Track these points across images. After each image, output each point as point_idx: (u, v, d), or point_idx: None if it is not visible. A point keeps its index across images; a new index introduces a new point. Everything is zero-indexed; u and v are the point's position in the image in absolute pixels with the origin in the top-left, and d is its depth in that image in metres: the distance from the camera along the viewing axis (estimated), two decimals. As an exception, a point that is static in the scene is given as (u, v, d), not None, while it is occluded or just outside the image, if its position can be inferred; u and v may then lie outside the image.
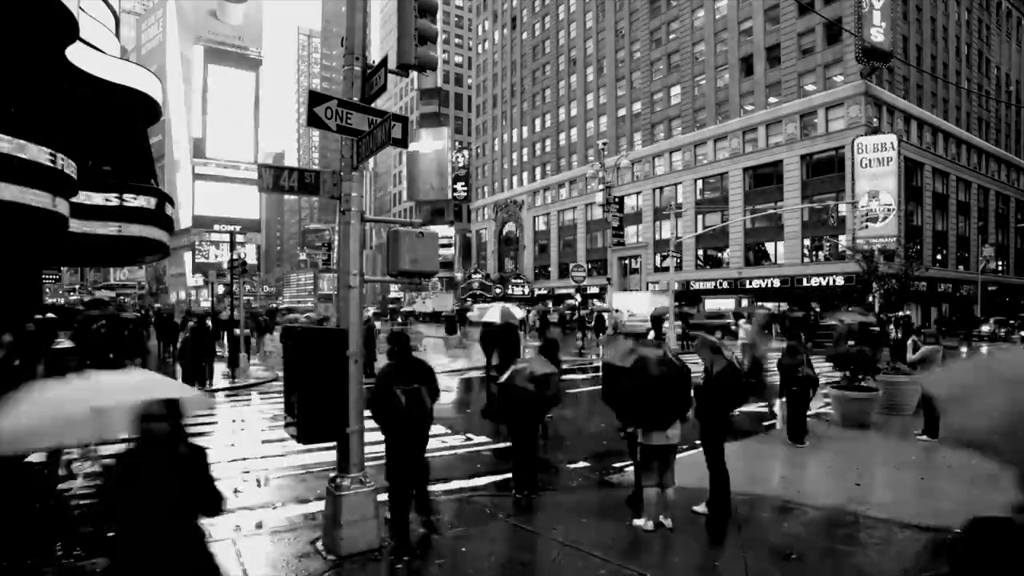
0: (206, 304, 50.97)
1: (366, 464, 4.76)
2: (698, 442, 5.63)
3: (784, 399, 8.40)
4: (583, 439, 8.74)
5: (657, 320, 23.11)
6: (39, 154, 13.15)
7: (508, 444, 6.55)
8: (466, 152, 79.04)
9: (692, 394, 5.20)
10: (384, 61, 4.72)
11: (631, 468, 6.01)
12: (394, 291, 75.72)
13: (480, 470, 7.11)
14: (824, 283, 37.70)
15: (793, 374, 8.07)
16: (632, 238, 49.80)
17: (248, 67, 73.81)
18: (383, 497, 4.83)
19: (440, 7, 72.07)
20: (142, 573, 2.49)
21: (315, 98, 4.50)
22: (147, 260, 35.85)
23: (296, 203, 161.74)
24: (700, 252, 47.35)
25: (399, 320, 41.10)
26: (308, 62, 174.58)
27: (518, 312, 15.59)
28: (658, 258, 49.52)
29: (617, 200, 28.62)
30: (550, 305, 45.45)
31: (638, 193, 52.40)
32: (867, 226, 35.14)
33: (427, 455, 5.28)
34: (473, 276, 63.19)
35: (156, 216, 20.96)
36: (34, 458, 7.47)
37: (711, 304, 39.85)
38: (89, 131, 18.45)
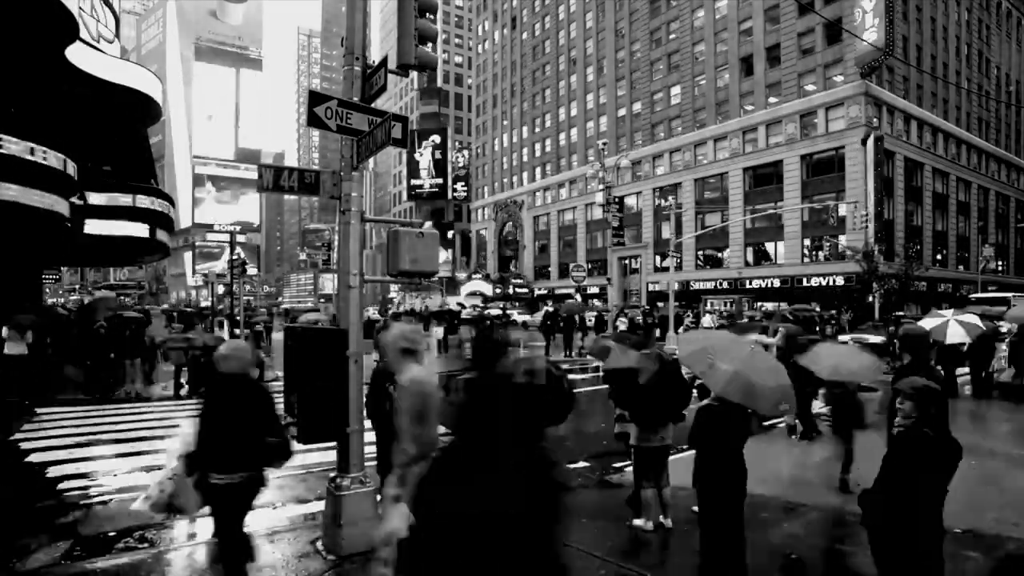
0: (206, 304, 51.01)
1: (366, 464, 4.77)
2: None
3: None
4: (583, 439, 8.73)
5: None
6: (39, 154, 13.15)
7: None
8: (466, 152, 79.04)
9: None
10: (384, 61, 4.72)
11: (631, 468, 6.00)
12: (393, 291, 75.73)
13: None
14: (824, 283, 37.71)
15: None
16: (632, 238, 49.83)
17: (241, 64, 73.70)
18: (383, 497, 4.82)
19: (440, 7, 72.15)
20: None
21: (315, 98, 4.50)
22: (147, 260, 35.84)
23: (296, 203, 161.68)
24: (700, 252, 47.35)
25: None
26: (308, 62, 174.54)
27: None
28: (658, 258, 49.52)
29: (617, 200, 28.63)
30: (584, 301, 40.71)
31: (638, 193, 52.40)
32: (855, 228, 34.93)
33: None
34: (473, 276, 63.22)
35: (156, 216, 20.96)
36: (34, 458, 7.49)
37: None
38: (89, 131, 18.45)
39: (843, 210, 34.30)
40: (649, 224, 51.29)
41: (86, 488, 6.34)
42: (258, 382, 3.99)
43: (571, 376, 14.99)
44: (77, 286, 66.77)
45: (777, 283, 40.80)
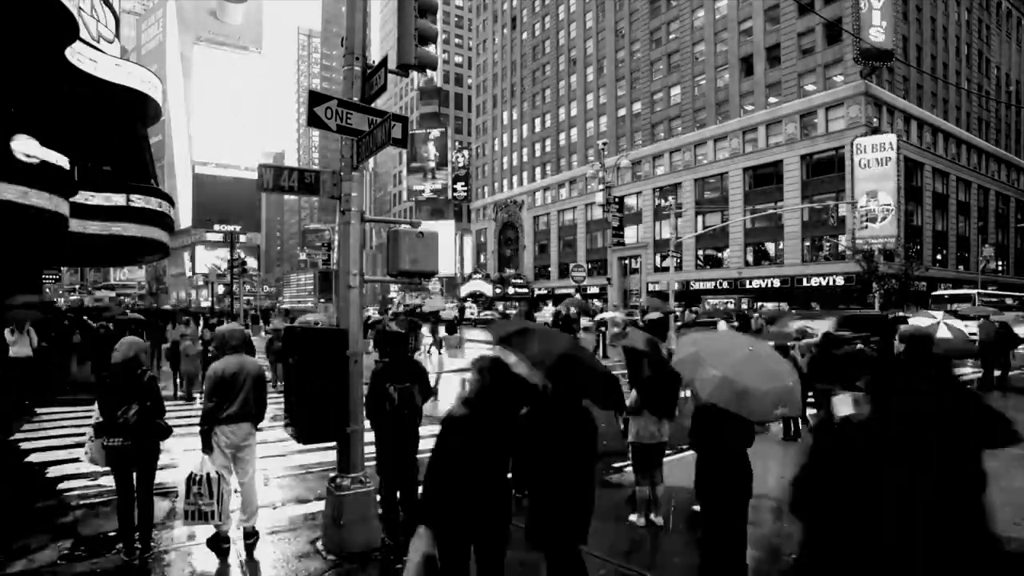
0: (206, 304, 51.01)
1: (366, 464, 4.77)
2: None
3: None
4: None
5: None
6: (40, 154, 13.15)
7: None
8: (466, 152, 79.05)
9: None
10: (384, 61, 4.72)
11: (631, 468, 6.01)
12: (393, 291, 75.74)
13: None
14: (824, 283, 37.72)
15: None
16: (632, 238, 49.83)
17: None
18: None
19: (440, 7, 72.15)
20: None
21: (315, 98, 4.50)
22: (147, 260, 35.89)
23: (296, 203, 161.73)
24: (700, 252, 47.35)
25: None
26: (308, 62, 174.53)
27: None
28: (658, 258, 49.51)
29: (617, 200, 28.60)
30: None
31: (638, 193, 52.40)
32: (867, 226, 35.15)
33: (421, 455, 5.29)
34: (473, 276, 63.23)
35: (156, 216, 20.97)
36: (34, 458, 7.49)
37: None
38: (89, 131, 18.45)
39: (843, 210, 34.33)
40: (649, 224, 51.29)
41: (86, 488, 6.34)
42: (142, 376, 4.56)
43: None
44: (77, 286, 66.80)
45: (777, 283, 40.80)
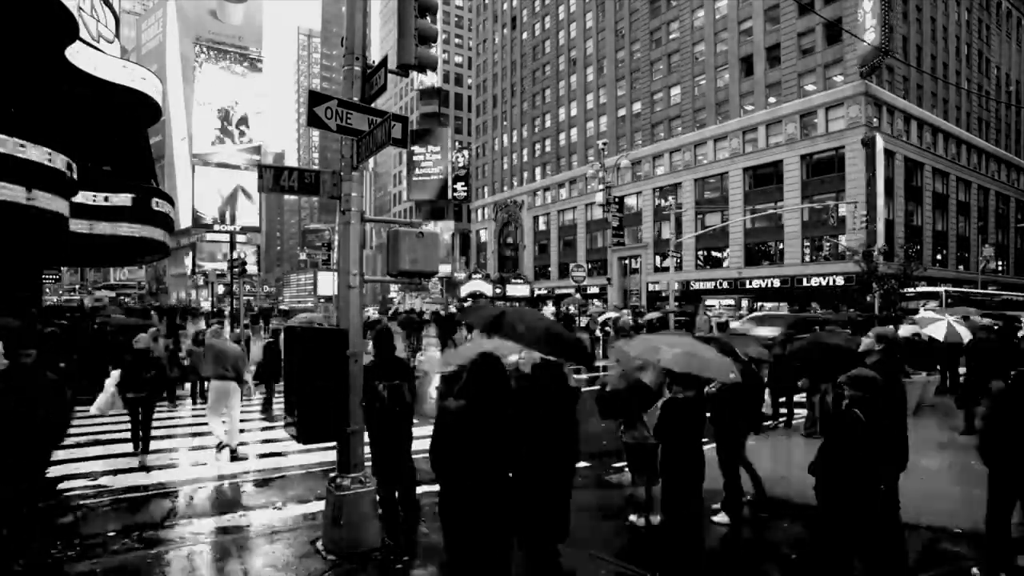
0: (206, 304, 51.01)
1: (366, 464, 4.77)
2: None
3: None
4: (582, 439, 8.72)
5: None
6: (39, 154, 13.15)
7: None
8: (466, 152, 78.98)
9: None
10: (384, 61, 4.73)
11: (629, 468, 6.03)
12: (393, 291, 75.76)
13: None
14: (824, 283, 37.72)
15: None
16: (632, 238, 49.84)
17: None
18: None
19: (440, 7, 72.17)
20: None
21: (315, 98, 4.50)
22: (147, 260, 35.87)
23: (296, 203, 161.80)
24: (700, 252, 47.35)
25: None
26: (308, 62, 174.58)
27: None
28: (658, 258, 49.52)
29: (617, 200, 28.63)
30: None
31: (638, 193, 52.40)
32: (855, 229, 34.82)
33: (418, 455, 5.30)
34: (473, 276, 63.18)
35: (156, 216, 20.97)
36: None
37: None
38: (89, 131, 18.45)
39: (843, 210, 34.30)
40: (649, 224, 51.29)
41: (86, 488, 6.35)
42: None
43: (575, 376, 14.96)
44: (77, 286, 66.77)
45: (777, 283, 40.80)
